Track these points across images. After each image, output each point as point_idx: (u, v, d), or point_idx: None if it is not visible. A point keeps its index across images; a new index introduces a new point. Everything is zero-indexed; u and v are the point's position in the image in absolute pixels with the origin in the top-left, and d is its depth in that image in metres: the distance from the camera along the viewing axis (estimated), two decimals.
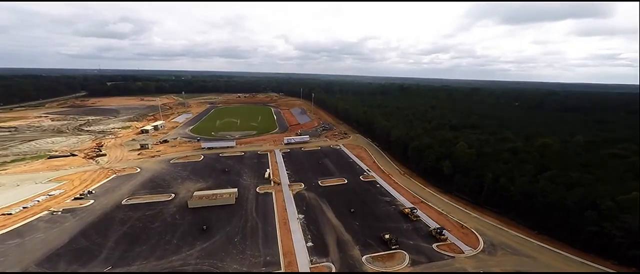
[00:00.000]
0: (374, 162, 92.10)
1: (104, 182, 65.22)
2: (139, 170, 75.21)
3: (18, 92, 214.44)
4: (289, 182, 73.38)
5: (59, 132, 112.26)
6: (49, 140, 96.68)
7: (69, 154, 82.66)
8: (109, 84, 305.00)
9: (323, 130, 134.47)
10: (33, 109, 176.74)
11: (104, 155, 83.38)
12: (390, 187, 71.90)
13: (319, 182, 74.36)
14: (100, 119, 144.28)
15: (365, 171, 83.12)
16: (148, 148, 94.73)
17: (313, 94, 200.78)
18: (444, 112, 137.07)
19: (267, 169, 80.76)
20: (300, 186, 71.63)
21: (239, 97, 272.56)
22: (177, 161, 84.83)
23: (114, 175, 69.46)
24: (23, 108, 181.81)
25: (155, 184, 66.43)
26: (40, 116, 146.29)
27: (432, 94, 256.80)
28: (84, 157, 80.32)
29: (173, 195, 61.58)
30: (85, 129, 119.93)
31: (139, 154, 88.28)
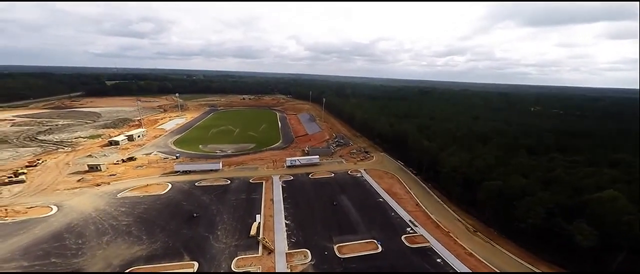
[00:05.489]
0: (418, 204, 61.60)
1: None
2: (53, 211, 48.16)
3: (4, 92, 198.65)
4: (286, 249, 44.16)
5: (1, 142, 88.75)
6: None
7: None
8: (108, 83, 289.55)
9: (337, 146, 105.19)
10: (8, 110, 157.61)
11: (22, 182, 57.48)
12: (466, 268, 41.16)
13: (335, 247, 44.90)
14: (71, 125, 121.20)
15: (410, 225, 52.76)
16: (99, 170, 68.48)
17: (324, 99, 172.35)
18: (494, 124, 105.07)
19: (257, 217, 52.10)
20: (305, 257, 42.34)
21: (244, 99, 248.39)
22: (127, 195, 57.59)
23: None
24: (1, 108, 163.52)
25: (56, 245, 38.74)
26: (4, 119, 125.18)
27: (464, 99, 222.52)
28: None
29: None
30: (40, 138, 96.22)
31: (79, 181, 61.99)
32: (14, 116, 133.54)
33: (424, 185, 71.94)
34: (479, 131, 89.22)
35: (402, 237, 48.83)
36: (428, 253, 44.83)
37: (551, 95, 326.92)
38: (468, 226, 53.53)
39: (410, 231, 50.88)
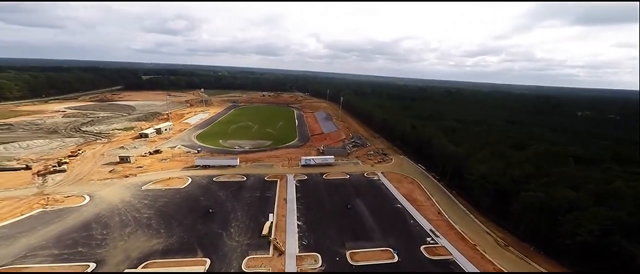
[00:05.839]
0: (440, 212, 57.10)
1: None
2: (86, 200, 52.17)
3: (60, 85, 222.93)
4: (297, 251, 43.15)
5: (52, 132, 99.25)
6: (24, 144, 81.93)
7: (24, 166, 64.58)
8: (144, 78, 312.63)
9: (353, 146, 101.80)
10: (62, 101, 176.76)
11: (63, 171, 63.32)
12: None
13: (348, 253, 42.96)
14: (109, 117, 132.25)
15: (430, 235, 48.97)
16: (129, 162, 73.36)
17: (342, 98, 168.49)
18: (533, 129, 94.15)
19: (270, 216, 51.86)
20: (316, 261, 40.95)
21: (263, 95, 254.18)
22: (150, 187, 60.77)
23: (41, 208, 46.97)
24: (57, 100, 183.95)
25: (84, 235, 41.66)
26: (58, 111, 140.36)
27: (497, 101, 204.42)
28: (34, 174, 61.00)
29: (91, 267, 35.69)
30: (83, 129, 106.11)
31: (110, 171, 66.85)
32: (65, 108, 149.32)
33: (447, 192, 66.66)
34: (514, 136, 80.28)
35: (422, 247, 45.36)
36: (450, 267, 41.07)
37: (604, 98, 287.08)
38: (498, 239, 48.28)
39: (431, 242, 47.14)
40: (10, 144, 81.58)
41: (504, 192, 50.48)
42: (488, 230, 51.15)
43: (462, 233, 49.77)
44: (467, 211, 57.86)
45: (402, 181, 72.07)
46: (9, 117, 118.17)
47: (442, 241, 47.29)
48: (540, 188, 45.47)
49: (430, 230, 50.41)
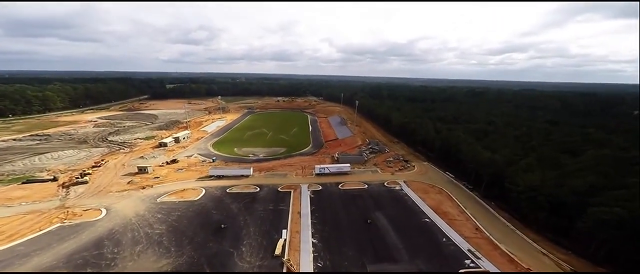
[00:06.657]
0: (477, 228, 49.62)
1: (11, 246, 41.04)
2: (103, 214, 52.03)
3: (95, 95, 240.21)
4: None
5: (82, 142, 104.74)
6: (56, 154, 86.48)
7: (52, 177, 67.20)
8: (168, 87, 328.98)
9: (371, 153, 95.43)
10: (96, 111, 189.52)
11: (85, 182, 64.83)
12: None
13: None
14: (133, 126, 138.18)
15: (468, 256, 42.16)
16: (147, 172, 74.01)
17: (357, 102, 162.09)
18: (583, 131, 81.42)
19: (283, 232, 48.12)
20: None
21: (278, 101, 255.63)
22: (165, 200, 59.88)
23: (59, 223, 47.14)
24: (91, 110, 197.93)
25: (95, 253, 40.53)
26: (91, 121, 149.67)
27: (531, 101, 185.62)
28: (59, 185, 62.91)
29: None
30: (110, 139, 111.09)
31: (128, 183, 67.47)
32: (97, 118, 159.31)
33: (484, 204, 58.57)
34: (562, 139, 69.52)
35: (460, 271, 38.96)
36: None
37: None
38: (560, 262, 40.21)
39: (471, 265, 40.40)
40: (44, 154, 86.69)
41: (563, 206, 42.28)
42: (544, 250, 43.06)
43: (510, 254, 42.25)
44: (512, 227, 49.76)
45: (428, 191, 64.98)
46: (49, 128, 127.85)
47: (485, 264, 40.33)
48: (615, 202, 37.02)
49: (469, 250, 43.50)
